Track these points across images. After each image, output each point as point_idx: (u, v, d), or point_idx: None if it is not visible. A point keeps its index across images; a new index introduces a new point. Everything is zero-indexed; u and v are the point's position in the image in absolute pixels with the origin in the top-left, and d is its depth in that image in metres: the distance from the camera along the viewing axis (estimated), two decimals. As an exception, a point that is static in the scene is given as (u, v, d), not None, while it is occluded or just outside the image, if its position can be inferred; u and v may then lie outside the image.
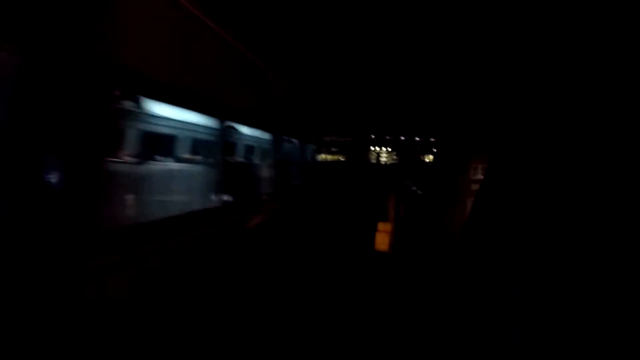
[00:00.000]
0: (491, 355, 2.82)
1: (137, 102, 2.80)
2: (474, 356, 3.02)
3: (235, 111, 4.21)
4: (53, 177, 2.10)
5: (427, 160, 38.35)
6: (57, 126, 2.16)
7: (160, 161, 4.05)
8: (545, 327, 2.25)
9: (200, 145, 5.06)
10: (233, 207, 4.36)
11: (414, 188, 14.31)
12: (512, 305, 2.75)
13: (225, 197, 4.33)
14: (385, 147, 48.26)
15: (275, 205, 5.40)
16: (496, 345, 2.79)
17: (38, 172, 2.17)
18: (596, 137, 2.30)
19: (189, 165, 4.67)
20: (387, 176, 21.05)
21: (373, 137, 45.92)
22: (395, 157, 46.46)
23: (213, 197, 4.31)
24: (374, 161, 45.25)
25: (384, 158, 48.30)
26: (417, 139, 44.50)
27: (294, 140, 7.04)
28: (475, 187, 5.83)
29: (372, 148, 47.05)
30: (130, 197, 3.17)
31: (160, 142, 4.15)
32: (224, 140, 4.90)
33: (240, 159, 5.70)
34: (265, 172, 5.80)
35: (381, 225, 4.54)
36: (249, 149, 6.31)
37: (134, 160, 3.47)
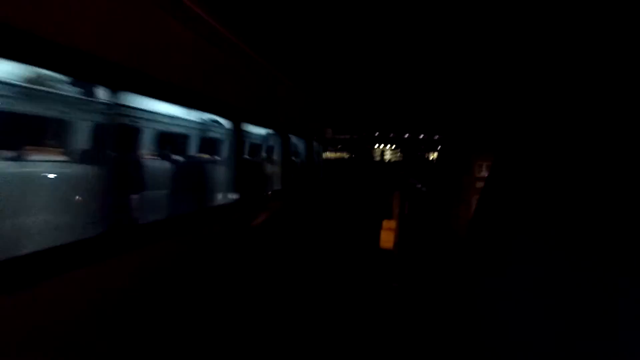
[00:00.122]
0: (497, 350, 2.83)
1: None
2: (479, 352, 3.04)
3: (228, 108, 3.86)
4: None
5: (432, 158, 38.30)
6: None
7: None
8: (551, 323, 2.26)
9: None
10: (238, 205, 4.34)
11: (419, 186, 14.30)
12: (518, 302, 2.77)
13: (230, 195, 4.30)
14: (390, 144, 48.22)
15: (280, 203, 5.40)
16: (502, 341, 2.81)
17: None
18: (599, 136, 2.30)
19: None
20: (391, 174, 21.04)
21: (377, 134, 45.91)
22: (399, 154, 46.42)
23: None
24: (378, 159, 45.25)
25: (388, 155, 48.27)
26: (422, 136, 44.42)
27: (295, 137, 6.92)
28: (480, 184, 5.82)
29: (376, 145, 47.03)
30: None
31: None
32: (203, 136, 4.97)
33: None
34: (267, 170, 5.68)
35: (386, 223, 4.56)
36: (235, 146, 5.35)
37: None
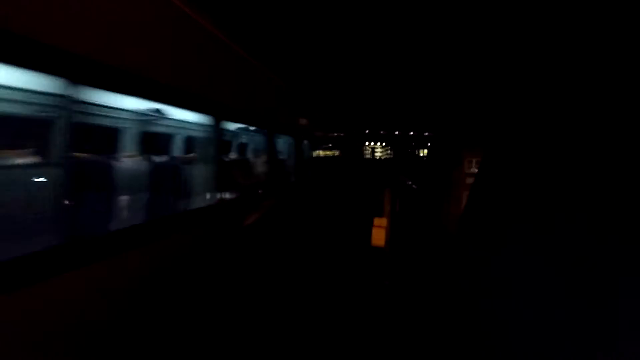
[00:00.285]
0: (489, 345, 2.83)
1: None
2: (471, 347, 3.03)
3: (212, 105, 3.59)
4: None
5: (422, 155, 38.54)
6: None
7: None
8: (542, 317, 2.26)
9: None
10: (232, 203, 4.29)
11: (409, 182, 14.36)
12: (509, 296, 2.77)
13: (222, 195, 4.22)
14: (380, 141, 48.40)
15: (270, 202, 5.34)
16: (493, 337, 2.80)
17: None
18: (587, 130, 2.30)
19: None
20: (382, 171, 21.11)
21: (367, 132, 46.03)
22: (390, 151, 46.62)
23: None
24: (368, 156, 45.36)
25: (378, 153, 48.44)
26: (412, 133, 44.67)
27: (285, 136, 6.82)
28: (470, 180, 5.84)
29: (366, 143, 47.17)
30: None
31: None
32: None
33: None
34: (256, 168, 5.60)
35: (377, 221, 4.54)
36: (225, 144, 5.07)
37: None
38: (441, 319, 3.60)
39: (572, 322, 2.00)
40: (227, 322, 3.40)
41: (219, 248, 3.76)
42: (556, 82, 2.88)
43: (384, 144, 47.97)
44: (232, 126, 4.71)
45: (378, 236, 4.42)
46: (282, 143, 6.87)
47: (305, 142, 8.62)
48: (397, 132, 45.60)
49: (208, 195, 3.88)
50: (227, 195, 4.20)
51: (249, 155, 6.18)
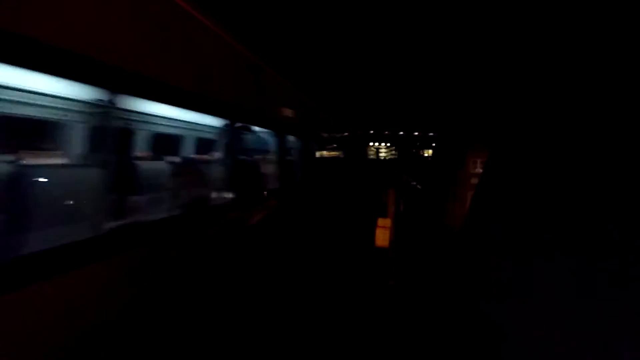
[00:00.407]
0: (494, 345, 2.82)
1: None
2: (477, 348, 3.03)
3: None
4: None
5: (426, 155, 38.39)
6: None
7: None
8: (548, 317, 2.25)
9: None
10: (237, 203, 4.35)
11: (414, 183, 14.32)
12: (513, 296, 2.76)
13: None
14: (384, 142, 48.31)
15: (276, 202, 5.37)
16: (499, 337, 2.80)
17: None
18: (592, 132, 2.29)
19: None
20: (386, 171, 21.05)
21: (372, 132, 45.96)
22: (394, 152, 46.51)
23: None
24: (373, 156, 45.28)
25: (383, 153, 48.35)
26: (416, 133, 44.54)
27: (293, 137, 6.83)
28: (474, 181, 5.82)
29: (371, 143, 47.09)
30: None
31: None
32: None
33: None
34: (264, 169, 5.64)
35: (381, 221, 4.54)
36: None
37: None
38: (445, 320, 3.60)
39: (578, 323, 2.00)
40: (232, 320, 3.42)
41: (221, 247, 3.80)
42: (562, 82, 2.87)
43: (388, 144, 47.82)
44: (255, 129, 5.36)
45: (382, 237, 4.42)
46: (292, 144, 6.91)
47: (313, 142, 8.65)
48: (401, 133, 45.46)
49: (229, 193, 4.56)
50: (241, 193, 4.54)
51: (264, 155, 6.24)
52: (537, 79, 3.32)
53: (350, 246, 6.08)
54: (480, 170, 5.90)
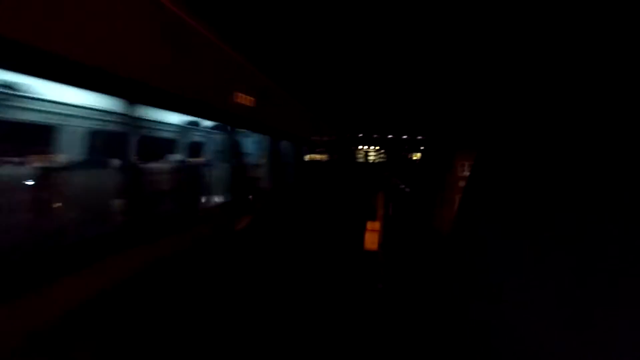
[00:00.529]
0: (483, 349, 2.83)
1: None
2: (466, 351, 3.03)
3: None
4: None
5: (415, 158, 38.67)
6: None
7: None
8: (535, 320, 2.26)
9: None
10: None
11: (402, 186, 14.39)
12: (502, 299, 2.77)
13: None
14: (373, 145, 48.51)
15: (263, 206, 5.32)
16: (488, 339, 2.80)
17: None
18: (578, 135, 2.32)
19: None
20: (375, 175, 21.15)
21: (361, 135, 46.12)
22: (383, 155, 46.73)
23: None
24: (362, 159, 45.42)
25: (372, 156, 48.54)
26: (405, 137, 44.84)
27: (284, 141, 6.78)
28: (462, 184, 5.86)
29: (360, 147, 47.24)
30: None
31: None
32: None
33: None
34: (252, 173, 5.57)
35: (370, 225, 4.53)
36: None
37: None
38: (434, 322, 3.60)
39: (565, 324, 2.01)
40: (225, 323, 3.37)
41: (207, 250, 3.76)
42: (548, 85, 2.91)
43: (377, 147, 48.07)
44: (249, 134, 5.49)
45: (371, 240, 4.42)
46: (283, 148, 6.88)
47: (303, 146, 8.64)
48: (390, 136, 45.77)
49: (221, 196, 4.51)
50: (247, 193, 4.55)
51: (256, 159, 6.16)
52: (523, 83, 3.36)
53: (339, 249, 6.06)
54: (468, 174, 5.94)
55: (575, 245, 2.06)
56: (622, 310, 1.68)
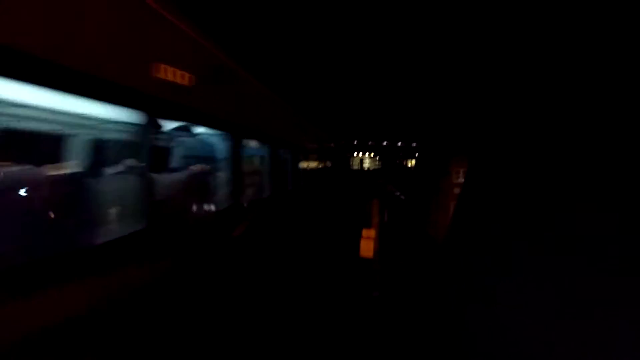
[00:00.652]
0: (478, 353, 2.81)
1: None
2: (462, 355, 3.01)
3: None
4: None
5: (410, 165, 38.88)
6: None
7: None
8: (533, 325, 2.25)
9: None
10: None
11: (397, 193, 14.42)
12: (497, 303, 2.76)
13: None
14: (368, 152, 48.76)
15: (260, 212, 5.28)
16: (483, 343, 2.78)
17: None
18: (570, 142, 2.34)
19: None
20: (370, 182, 21.19)
21: (356, 142, 46.37)
22: (378, 162, 46.95)
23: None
24: (357, 167, 45.61)
25: (367, 164, 48.76)
26: (400, 144, 45.15)
27: (280, 149, 6.75)
28: (457, 190, 5.88)
29: (355, 154, 47.46)
30: None
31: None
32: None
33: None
34: (250, 178, 5.50)
35: (365, 232, 4.52)
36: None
37: None
38: (430, 329, 3.57)
39: (561, 327, 2.00)
40: (213, 331, 3.32)
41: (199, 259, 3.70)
42: (539, 92, 2.93)
43: (372, 154, 48.25)
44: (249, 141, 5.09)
45: (366, 247, 4.40)
46: (281, 155, 6.86)
47: (299, 154, 8.64)
48: (385, 143, 46.00)
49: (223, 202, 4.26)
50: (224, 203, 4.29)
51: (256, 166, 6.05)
52: (517, 89, 3.39)
53: (335, 257, 6.03)
54: (463, 180, 5.97)
55: (570, 249, 2.06)
56: (619, 311, 1.68)
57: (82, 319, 1.98)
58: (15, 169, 2.24)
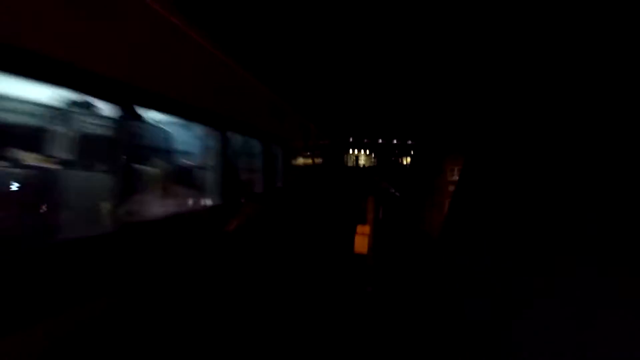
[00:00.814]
0: (472, 350, 2.84)
1: None
2: (454, 350, 3.04)
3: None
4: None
5: (405, 163, 38.98)
6: None
7: None
8: (526, 320, 2.28)
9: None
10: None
11: (392, 190, 14.47)
12: (489, 300, 2.80)
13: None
14: (364, 150, 48.83)
15: (254, 208, 5.28)
16: (477, 340, 2.82)
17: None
18: (563, 140, 2.36)
19: None
20: (365, 179, 21.21)
21: (351, 140, 46.40)
22: (373, 159, 47.05)
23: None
24: (352, 164, 45.66)
25: (362, 161, 48.83)
26: (395, 141, 45.25)
27: (272, 145, 6.71)
28: (452, 188, 5.92)
29: (350, 151, 47.50)
30: None
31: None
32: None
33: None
34: (240, 175, 5.45)
35: (360, 228, 4.54)
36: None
37: None
38: (424, 324, 3.61)
39: (553, 322, 2.03)
40: (206, 328, 3.33)
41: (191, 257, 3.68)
42: (534, 93, 2.96)
43: (367, 152, 48.31)
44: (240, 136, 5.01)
45: (361, 243, 4.42)
46: (274, 151, 6.83)
47: (293, 150, 8.60)
48: (380, 141, 46.06)
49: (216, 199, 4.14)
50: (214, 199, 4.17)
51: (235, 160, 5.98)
52: (511, 89, 3.42)
53: (329, 252, 6.06)
54: (457, 178, 6.01)
55: (562, 244, 2.09)
56: (618, 310, 1.71)
57: None
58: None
